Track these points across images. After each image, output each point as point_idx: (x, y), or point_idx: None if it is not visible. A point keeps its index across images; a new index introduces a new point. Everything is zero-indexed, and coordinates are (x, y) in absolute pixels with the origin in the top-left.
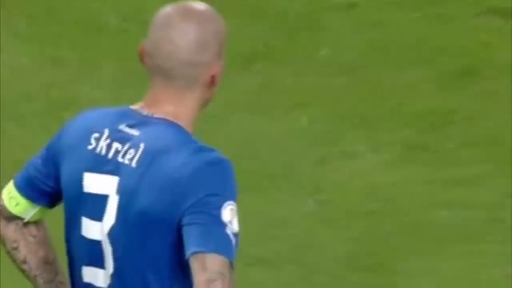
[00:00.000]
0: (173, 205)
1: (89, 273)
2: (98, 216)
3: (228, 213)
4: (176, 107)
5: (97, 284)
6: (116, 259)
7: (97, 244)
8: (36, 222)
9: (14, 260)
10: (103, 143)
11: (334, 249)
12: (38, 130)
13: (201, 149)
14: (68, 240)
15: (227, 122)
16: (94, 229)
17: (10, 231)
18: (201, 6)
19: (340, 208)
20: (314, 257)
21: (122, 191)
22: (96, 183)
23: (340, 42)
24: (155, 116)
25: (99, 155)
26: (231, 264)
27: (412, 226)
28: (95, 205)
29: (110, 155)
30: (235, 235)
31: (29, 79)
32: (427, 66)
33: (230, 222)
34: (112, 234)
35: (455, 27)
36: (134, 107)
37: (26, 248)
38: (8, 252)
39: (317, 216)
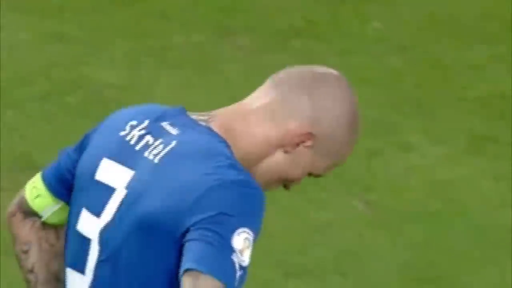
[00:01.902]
0: (180, 215)
1: (70, 278)
2: (97, 210)
3: (241, 241)
4: (242, 125)
5: None
6: (99, 264)
7: (86, 242)
8: (56, 228)
9: (20, 266)
10: (136, 133)
11: (387, 258)
12: (39, 118)
13: (233, 166)
14: (65, 236)
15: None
16: (89, 224)
17: (25, 229)
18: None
19: (394, 210)
20: (363, 267)
21: (132, 186)
22: (110, 172)
23: (393, 15)
24: (209, 122)
25: (127, 143)
26: None
27: (479, 231)
28: (99, 197)
29: (138, 147)
30: (242, 268)
31: (28, 58)
32: (496, 43)
33: (241, 252)
34: (104, 233)
35: None
36: (198, 112)
37: (38, 256)
38: (16, 255)
39: (367, 219)
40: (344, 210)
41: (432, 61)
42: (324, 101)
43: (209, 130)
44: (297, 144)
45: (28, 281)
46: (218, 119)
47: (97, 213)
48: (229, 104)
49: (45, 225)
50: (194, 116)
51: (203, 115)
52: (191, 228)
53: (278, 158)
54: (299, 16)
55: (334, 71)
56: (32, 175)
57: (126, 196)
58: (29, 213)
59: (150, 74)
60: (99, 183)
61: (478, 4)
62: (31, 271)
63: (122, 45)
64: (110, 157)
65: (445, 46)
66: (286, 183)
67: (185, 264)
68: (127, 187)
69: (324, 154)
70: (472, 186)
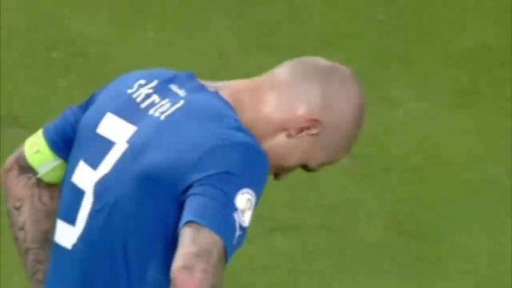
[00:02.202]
0: (183, 171)
1: (60, 230)
2: (95, 162)
3: (244, 201)
4: (250, 99)
5: (63, 244)
6: (91, 215)
7: (80, 194)
8: (51, 187)
9: (11, 223)
10: (143, 91)
11: (372, 212)
12: (20, 75)
13: (240, 129)
14: (60, 189)
15: (246, 63)
16: (85, 176)
17: (20, 185)
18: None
19: (378, 164)
20: (347, 222)
21: (133, 141)
22: (112, 126)
23: None
24: (217, 89)
25: (133, 100)
26: (225, 251)
27: (462, 185)
28: (98, 150)
29: (144, 105)
30: (242, 228)
31: (12, 14)
32: None
33: (242, 212)
34: (101, 184)
35: None
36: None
37: (29, 213)
38: (8, 211)
39: (351, 173)
40: None
41: (417, 13)
42: (335, 91)
43: (218, 95)
44: (302, 130)
45: (16, 239)
46: (228, 89)
47: (94, 165)
48: (217, 59)
49: (40, 182)
50: (203, 82)
51: (212, 83)
52: (195, 183)
53: (279, 141)
54: None
55: (345, 67)
56: (15, 131)
57: (127, 150)
58: (25, 168)
59: (136, 29)
60: (100, 137)
61: None
62: (21, 228)
63: (107, 0)
64: (114, 112)
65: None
66: (279, 171)
67: (187, 216)
68: (128, 142)
69: (324, 147)
70: (457, 140)
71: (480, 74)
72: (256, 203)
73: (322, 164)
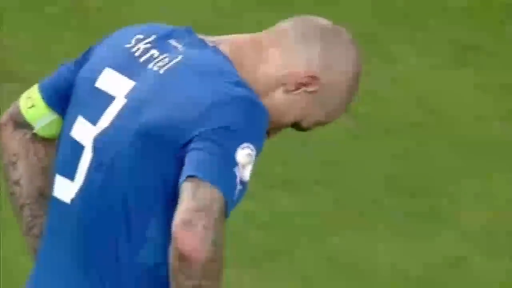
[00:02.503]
0: (184, 126)
1: (58, 185)
2: (94, 116)
3: (244, 155)
4: (248, 53)
5: (61, 198)
6: (91, 170)
7: (79, 149)
8: (47, 143)
9: (6, 178)
10: (142, 46)
11: (371, 169)
12: (19, 28)
13: (241, 84)
14: (57, 143)
15: (243, 23)
16: (83, 131)
17: (15, 140)
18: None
19: (378, 121)
20: (347, 179)
21: (132, 95)
22: (111, 81)
23: None
24: (217, 44)
25: (131, 55)
26: (225, 204)
27: (462, 142)
28: (97, 104)
29: (142, 59)
30: (242, 183)
31: None
32: None
33: (243, 166)
34: (99, 140)
35: None
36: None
37: (25, 168)
38: (4, 166)
39: (351, 131)
40: None
41: None
42: (335, 52)
43: (217, 50)
44: (300, 86)
45: (12, 193)
46: (228, 44)
47: (94, 120)
48: (213, 16)
49: (35, 138)
50: (202, 37)
51: (211, 38)
52: (195, 138)
53: (277, 96)
54: None
55: (345, 29)
56: (12, 86)
57: (126, 105)
58: (20, 124)
59: None
60: (98, 91)
61: None
62: (17, 183)
63: None
64: (112, 67)
65: None
66: (273, 128)
67: (187, 171)
68: (126, 96)
69: (322, 105)
70: (457, 97)
71: (480, 30)
72: (256, 157)
73: (318, 123)
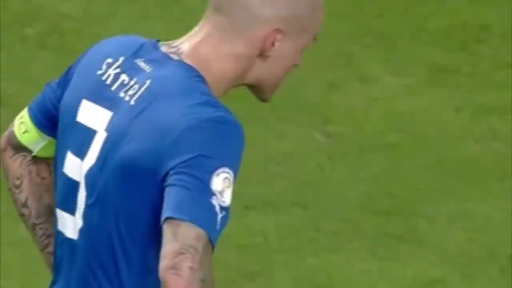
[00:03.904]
0: (160, 158)
1: (61, 219)
2: (81, 152)
3: (220, 181)
4: (210, 50)
5: (66, 234)
6: (86, 207)
7: (73, 185)
8: (48, 162)
9: (14, 200)
10: (112, 71)
11: (347, 189)
12: None
13: (209, 103)
14: (55, 177)
15: None
16: (74, 166)
17: (16, 163)
18: None
19: (353, 141)
20: (323, 199)
21: (111, 129)
22: (90, 114)
23: None
24: (181, 57)
25: (103, 83)
26: (209, 241)
27: (438, 162)
28: (82, 139)
29: (114, 87)
30: (224, 209)
31: None
32: None
33: (221, 192)
34: (89, 176)
35: None
36: (168, 42)
37: (30, 189)
38: (10, 190)
39: (327, 151)
40: (304, 141)
41: None
42: None
43: (182, 63)
44: (272, 44)
45: (22, 215)
46: (187, 49)
47: (81, 155)
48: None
49: (36, 159)
50: (164, 48)
51: (172, 47)
52: (170, 171)
53: (260, 66)
54: None
55: None
56: None
57: (107, 138)
58: (19, 148)
59: (109, 5)
60: (80, 125)
61: None
62: (25, 205)
63: None
64: (88, 98)
65: None
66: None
67: (165, 212)
68: (106, 129)
69: (301, 34)
70: (432, 117)
71: (455, 51)
72: (235, 177)
73: (308, 45)
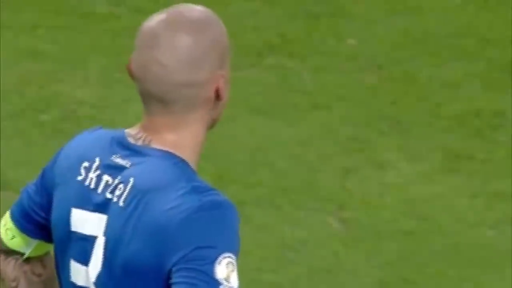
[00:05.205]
0: (161, 257)
1: None
2: (85, 260)
3: (224, 268)
4: (177, 134)
5: None
6: None
7: None
8: (40, 258)
9: None
10: (92, 175)
11: (362, 276)
12: (12, 136)
13: (195, 190)
14: (60, 286)
15: (235, 126)
16: (82, 276)
17: (10, 266)
18: (190, 12)
19: (368, 227)
20: (338, 286)
21: (109, 233)
22: (84, 222)
23: (368, 32)
24: (151, 146)
25: (88, 188)
26: None
27: (454, 249)
28: (82, 247)
29: (100, 189)
30: None
31: (2, 75)
32: (471, 60)
33: (227, 279)
34: (99, 284)
35: (503, 14)
36: (131, 131)
37: None
38: None
39: (342, 237)
40: (319, 227)
41: (407, 78)
42: (196, 47)
43: (157, 152)
44: (216, 97)
45: None
46: (155, 137)
47: (85, 262)
48: None
49: (29, 258)
50: (132, 140)
51: (138, 137)
52: (173, 268)
53: (212, 117)
54: (274, 33)
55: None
56: (5, 194)
57: (106, 243)
58: (9, 252)
59: (124, 91)
60: (77, 234)
61: (452, 21)
62: None
63: (96, 62)
64: (77, 207)
65: (420, 63)
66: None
67: None
68: (104, 234)
69: (226, 60)
70: (447, 204)
71: (470, 137)
72: (237, 255)
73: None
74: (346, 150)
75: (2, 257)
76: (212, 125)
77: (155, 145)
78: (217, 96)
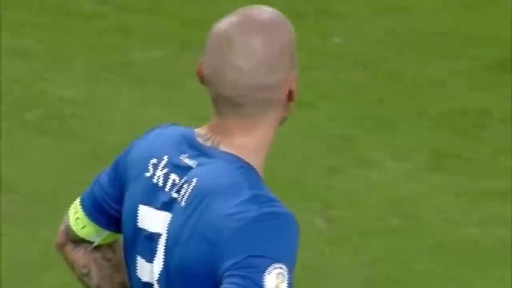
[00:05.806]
0: (213, 262)
1: None
2: (150, 257)
3: (273, 279)
4: (247, 137)
5: None
6: None
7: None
8: (110, 243)
9: (86, 287)
10: (160, 173)
11: (348, 275)
12: None
13: (255, 198)
14: (129, 280)
15: None
16: (146, 270)
17: (79, 254)
18: (261, 14)
19: (354, 226)
20: (324, 284)
21: (172, 231)
22: (150, 218)
23: (354, 30)
24: (219, 148)
25: (156, 186)
26: None
27: (440, 247)
28: (148, 244)
29: (167, 187)
30: None
31: None
32: (457, 59)
33: None
34: (162, 280)
35: (489, 13)
36: (200, 131)
37: (99, 274)
38: (79, 279)
39: (328, 235)
40: (305, 226)
41: (393, 76)
42: (270, 50)
43: (225, 155)
44: (289, 97)
45: None
46: (225, 139)
47: (150, 260)
48: (190, 120)
49: (99, 246)
50: (201, 140)
51: (207, 137)
52: (224, 275)
53: (286, 105)
54: None
55: (234, 20)
56: None
57: (167, 241)
58: (79, 241)
59: (110, 90)
60: (143, 231)
61: (438, 20)
62: None
63: (81, 61)
64: (145, 203)
65: (406, 61)
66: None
67: None
68: (168, 231)
69: (297, 64)
70: (433, 202)
71: (456, 135)
72: (292, 267)
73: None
74: (332, 149)
75: (71, 246)
76: (281, 123)
77: (223, 148)
78: (290, 97)
